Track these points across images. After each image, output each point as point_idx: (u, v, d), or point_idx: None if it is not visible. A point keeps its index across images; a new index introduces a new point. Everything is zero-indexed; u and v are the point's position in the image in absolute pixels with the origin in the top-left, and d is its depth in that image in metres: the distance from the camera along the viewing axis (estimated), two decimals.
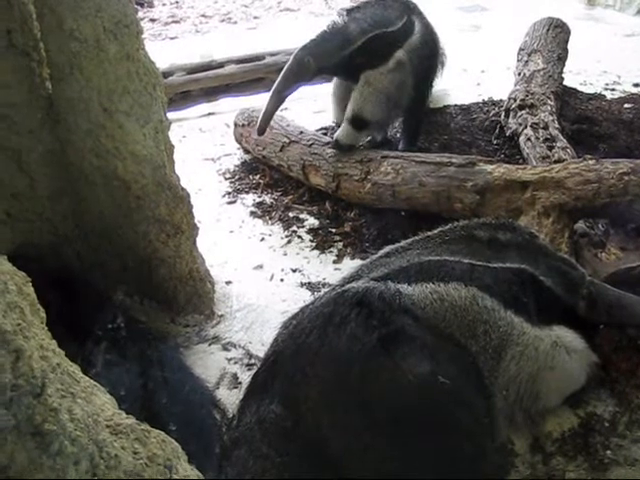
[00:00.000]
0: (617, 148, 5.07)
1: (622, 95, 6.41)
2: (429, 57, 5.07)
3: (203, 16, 10.10)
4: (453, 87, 6.47)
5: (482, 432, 2.62)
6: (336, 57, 4.52)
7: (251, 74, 6.59)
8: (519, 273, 2.91)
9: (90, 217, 3.33)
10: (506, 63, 6.72)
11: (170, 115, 3.52)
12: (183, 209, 3.47)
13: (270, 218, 4.77)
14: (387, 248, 3.09)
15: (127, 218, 3.31)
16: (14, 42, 2.88)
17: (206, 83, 6.45)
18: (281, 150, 5.06)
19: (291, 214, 4.79)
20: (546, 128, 4.92)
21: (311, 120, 5.75)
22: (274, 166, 5.22)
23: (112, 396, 1.92)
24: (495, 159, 4.48)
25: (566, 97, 5.98)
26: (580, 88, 6.44)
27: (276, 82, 4.57)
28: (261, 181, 5.22)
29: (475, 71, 7.14)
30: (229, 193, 5.11)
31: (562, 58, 6.13)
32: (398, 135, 5.51)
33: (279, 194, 5.04)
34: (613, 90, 6.58)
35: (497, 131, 5.52)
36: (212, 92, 6.52)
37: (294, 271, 4.19)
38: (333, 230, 4.59)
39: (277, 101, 4.59)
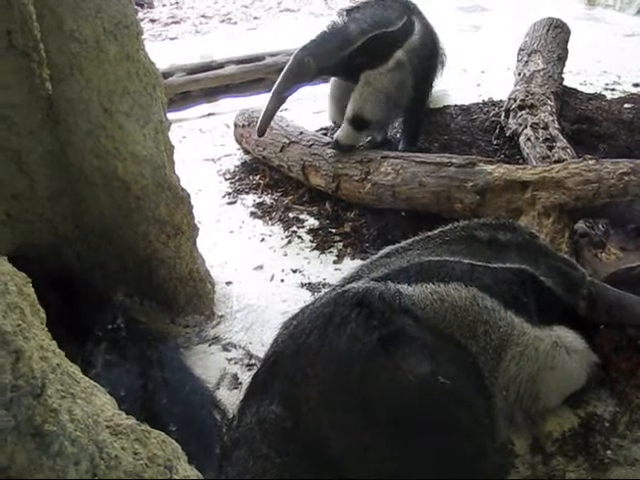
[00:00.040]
0: (617, 148, 5.07)
1: (622, 95, 6.41)
2: (429, 57, 5.07)
3: (203, 17, 10.10)
4: (453, 87, 6.47)
5: (482, 432, 2.62)
6: (336, 57, 4.52)
7: (251, 74, 6.60)
8: (519, 273, 2.91)
9: (90, 218, 3.33)
10: (506, 63, 6.72)
11: (170, 116, 3.52)
12: (183, 210, 3.47)
13: (270, 218, 4.77)
14: (387, 248, 3.09)
15: (127, 219, 3.31)
16: (14, 43, 2.88)
17: (206, 84, 6.46)
18: (281, 150, 5.06)
19: (291, 214, 4.79)
20: (546, 128, 4.92)
21: (311, 121, 5.75)
22: (274, 167, 5.22)
23: (112, 397, 1.92)
24: (495, 159, 4.48)
25: (566, 97, 5.98)
26: (580, 88, 6.44)
27: (276, 83, 4.57)
28: (261, 182, 5.22)
29: (475, 71, 7.14)
30: (229, 194, 5.11)
31: (562, 58, 6.13)
32: (398, 135, 5.52)
33: (279, 194, 5.04)
34: (613, 90, 6.58)
35: (497, 131, 5.52)
36: (212, 93, 6.53)
37: (294, 271, 4.19)
38: (333, 230, 4.59)
39: (277, 102, 4.59)
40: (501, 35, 7.97)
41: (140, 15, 8.87)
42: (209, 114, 6.57)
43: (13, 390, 1.44)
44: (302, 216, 4.77)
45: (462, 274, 2.82)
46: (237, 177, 5.35)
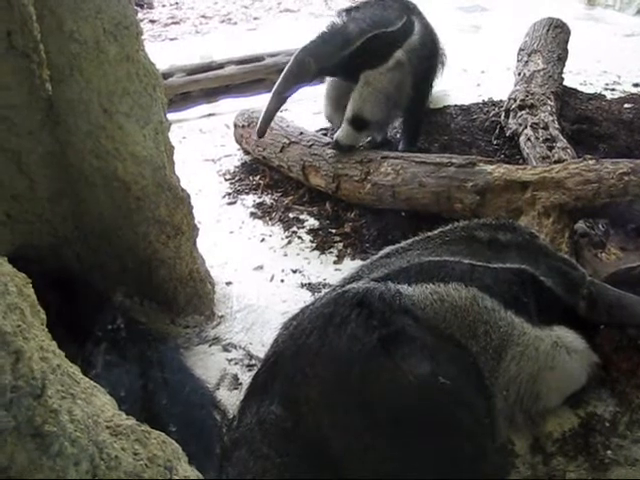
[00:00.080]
0: (617, 148, 5.07)
1: (622, 95, 6.41)
2: (429, 57, 5.07)
3: (203, 17, 10.10)
4: (453, 87, 6.47)
5: (482, 432, 2.62)
6: (336, 57, 4.51)
7: (251, 75, 6.60)
8: (519, 273, 2.91)
9: (90, 218, 3.33)
10: (506, 63, 6.73)
11: (170, 116, 3.53)
12: (183, 210, 3.47)
13: (270, 219, 4.77)
14: (387, 249, 3.09)
15: (127, 219, 3.31)
16: (14, 44, 2.88)
17: (206, 84, 6.46)
18: (281, 151, 5.06)
19: (291, 215, 4.79)
20: (546, 128, 4.92)
21: (311, 121, 5.76)
22: (274, 167, 5.22)
23: (112, 397, 1.92)
24: (495, 159, 4.48)
25: (566, 97, 5.98)
26: (580, 88, 6.44)
27: (276, 84, 4.57)
28: (261, 182, 5.22)
29: (475, 71, 7.14)
30: (229, 194, 5.11)
31: (562, 58, 6.13)
32: (398, 135, 5.52)
33: (279, 195, 5.04)
34: (613, 90, 6.58)
35: (497, 131, 5.52)
36: (212, 93, 6.52)
37: (294, 272, 4.19)
38: (333, 231, 4.59)
39: (277, 103, 4.58)
40: (501, 35, 7.98)
41: (140, 16, 8.86)
42: (209, 114, 6.57)
43: (13, 391, 1.44)
44: (302, 216, 4.77)
45: (462, 274, 2.82)
46: (237, 177, 5.35)
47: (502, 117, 5.54)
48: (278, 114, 4.82)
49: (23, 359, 1.48)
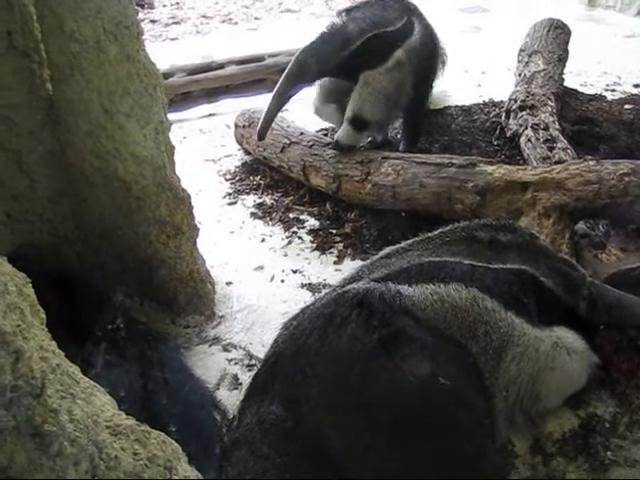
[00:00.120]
0: (617, 149, 5.07)
1: (622, 96, 6.41)
2: (429, 58, 5.06)
3: (204, 17, 10.11)
4: (454, 88, 6.47)
5: (482, 433, 2.62)
6: (336, 58, 4.51)
7: (252, 75, 6.60)
8: (520, 274, 2.91)
9: (90, 218, 3.33)
10: (507, 64, 6.73)
11: (171, 116, 3.52)
12: (184, 210, 3.47)
13: (271, 219, 4.77)
14: (387, 249, 3.09)
15: (127, 219, 3.31)
16: (15, 43, 2.89)
17: (207, 84, 6.46)
18: (282, 151, 5.06)
19: (292, 215, 4.79)
20: (547, 129, 4.92)
21: (311, 121, 5.75)
22: (275, 167, 5.22)
23: (112, 397, 1.92)
24: (496, 160, 4.48)
25: (566, 98, 5.98)
26: (580, 89, 6.44)
27: (277, 85, 4.56)
28: (262, 182, 5.22)
29: (476, 72, 7.15)
30: (230, 194, 5.11)
31: (562, 59, 6.13)
32: (399, 136, 5.52)
33: (280, 195, 5.04)
34: (613, 91, 6.58)
35: (498, 132, 5.52)
36: (213, 93, 6.53)
37: (295, 272, 4.19)
38: (334, 231, 4.59)
39: (278, 104, 4.57)
40: (502, 36, 7.98)
41: (140, 16, 8.86)
42: (210, 115, 6.58)
43: (13, 390, 1.44)
44: (302, 217, 4.77)
45: (462, 275, 2.81)
46: (237, 178, 5.35)
47: (503, 118, 5.54)
48: (279, 114, 4.82)
49: (23, 359, 1.48)
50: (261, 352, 3.29)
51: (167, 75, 6.03)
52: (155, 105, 3.19)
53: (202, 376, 3.16)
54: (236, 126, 5.69)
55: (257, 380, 2.74)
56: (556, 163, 4.25)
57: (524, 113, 5.23)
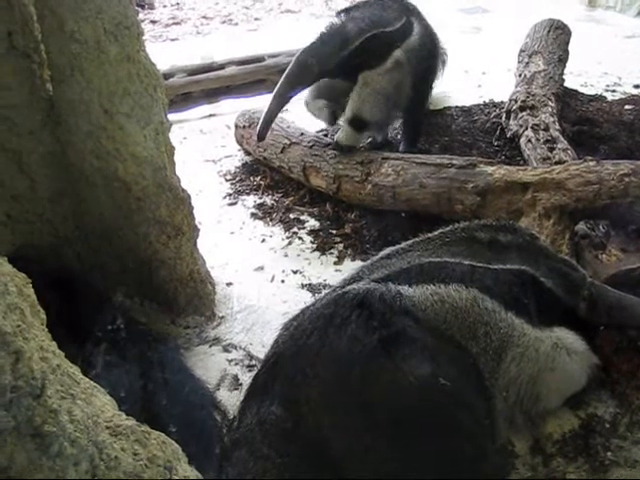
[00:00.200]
0: (618, 149, 5.06)
1: (623, 96, 6.41)
2: (428, 58, 5.05)
3: (204, 17, 10.12)
4: (454, 89, 6.47)
5: (482, 434, 2.61)
6: (336, 58, 4.50)
7: (252, 76, 6.60)
8: (520, 275, 2.91)
9: (90, 218, 3.33)
10: (507, 65, 6.73)
11: (171, 116, 3.53)
12: (184, 210, 3.47)
13: (271, 219, 4.77)
14: (388, 250, 3.09)
15: (127, 219, 3.31)
16: (15, 44, 2.89)
17: (207, 84, 6.46)
18: (282, 151, 5.06)
19: (292, 215, 4.79)
20: (547, 129, 4.92)
21: (312, 122, 5.74)
22: (275, 167, 5.23)
23: (112, 397, 1.92)
24: (496, 160, 4.48)
25: (567, 98, 5.98)
26: (581, 89, 6.44)
27: (277, 86, 4.56)
28: (262, 182, 5.22)
29: (476, 73, 7.15)
30: (230, 194, 5.11)
31: (563, 59, 6.13)
32: (399, 136, 5.52)
33: (280, 195, 5.04)
34: (614, 91, 6.58)
35: (498, 133, 5.52)
36: (213, 93, 6.53)
37: (295, 272, 4.19)
38: (334, 231, 4.59)
39: (278, 105, 4.57)
40: (502, 36, 7.98)
41: (141, 16, 8.87)
42: (210, 115, 6.58)
43: (13, 391, 1.44)
44: (303, 217, 4.77)
45: (462, 275, 2.81)
46: (238, 178, 5.35)
47: (503, 118, 5.54)
48: (279, 115, 4.82)
49: (23, 359, 1.48)
50: (261, 352, 3.29)
51: (167, 76, 6.04)
52: (155, 105, 3.19)
53: (202, 376, 3.16)
54: (236, 127, 5.69)
55: (257, 380, 2.74)
56: (556, 164, 4.25)
57: (524, 114, 5.23)
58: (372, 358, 2.50)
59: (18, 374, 1.46)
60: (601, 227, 3.91)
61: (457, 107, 6.17)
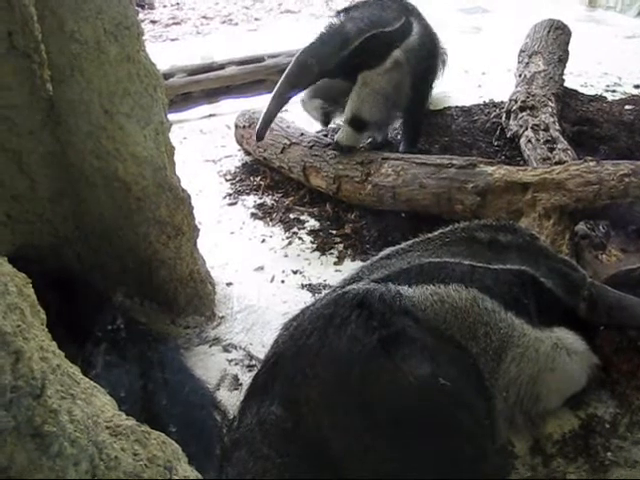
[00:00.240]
0: (618, 150, 5.06)
1: (623, 97, 6.41)
2: (427, 58, 5.05)
3: (204, 18, 10.12)
4: (454, 89, 6.47)
5: (482, 434, 2.61)
6: (336, 58, 4.50)
7: (252, 76, 6.60)
8: (520, 275, 2.91)
9: (90, 218, 3.33)
10: (507, 65, 6.73)
11: (171, 117, 3.53)
12: (184, 210, 3.47)
13: (271, 220, 4.77)
14: (388, 250, 3.09)
15: (127, 219, 3.31)
16: (15, 44, 2.89)
17: (207, 85, 6.47)
18: (282, 152, 5.06)
19: (292, 216, 4.79)
20: (547, 130, 4.92)
21: (311, 122, 5.75)
22: (275, 168, 5.23)
23: (112, 397, 1.92)
24: (496, 161, 4.48)
25: (567, 99, 5.98)
26: (581, 90, 6.44)
27: (277, 86, 4.56)
28: (262, 183, 5.22)
29: (476, 73, 7.15)
30: (230, 195, 5.11)
31: (563, 60, 6.12)
32: (399, 137, 5.52)
33: (280, 196, 5.04)
34: (614, 92, 6.58)
35: (498, 133, 5.52)
36: (213, 94, 6.53)
37: (295, 273, 4.19)
38: (334, 232, 4.59)
39: (278, 105, 4.57)
40: (502, 36, 7.98)
41: (141, 16, 8.86)
42: (210, 115, 6.58)
43: (13, 391, 1.44)
44: (303, 217, 4.77)
45: (462, 275, 2.81)
46: (238, 178, 5.35)
47: (503, 118, 5.54)
48: (279, 115, 4.82)
49: (23, 359, 1.48)
50: (261, 353, 3.29)
51: (167, 76, 6.04)
52: (155, 106, 3.19)
53: (202, 377, 3.16)
54: (236, 127, 5.70)
55: (257, 381, 2.74)
56: (556, 164, 4.25)
57: (524, 114, 5.23)
58: (372, 358, 2.50)
59: (18, 374, 1.46)
60: (601, 227, 3.91)
61: (457, 107, 6.17)
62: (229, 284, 4.06)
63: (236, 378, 3.30)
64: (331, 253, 4.38)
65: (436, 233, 3.11)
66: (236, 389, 3.23)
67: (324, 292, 3.48)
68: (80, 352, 2.65)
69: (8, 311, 1.52)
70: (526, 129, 5.03)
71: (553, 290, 2.95)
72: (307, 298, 3.84)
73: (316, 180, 4.85)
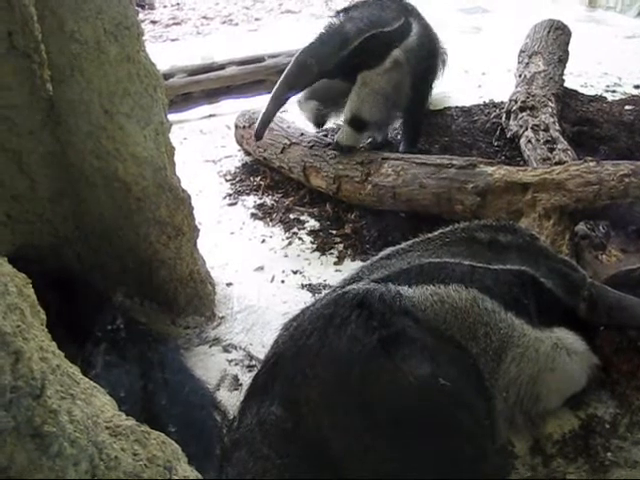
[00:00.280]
0: (618, 150, 5.06)
1: (623, 97, 6.40)
2: (427, 58, 5.05)
3: (204, 18, 10.12)
4: (454, 89, 6.47)
5: (482, 434, 2.61)
6: (336, 58, 4.50)
7: (252, 76, 6.60)
8: (520, 275, 2.91)
9: (90, 219, 3.33)
10: (507, 65, 6.73)
11: (171, 117, 3.53)
12: (184, 211, 3.47)
13: (271, 220, 4.77)
14: (388, 250, 3.09)
15: (127, 220, 3.31)
16: (15, 44, 2.89)
17: (207, 85, 6.47)
18: (282, 152, 5.06)
19: (292, 216, 4.79)
20: (547, 130, 4.92)
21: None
22: (275, 168, 5.23)
23: (112, 397, 1.92)
24: (496, 161, 4.47)
25: (567, 99, 5.98)
26: (581, 90, 6.44)
27: (276, 86, 4.57)
28: (262, 183, 5.22)
29: (476, 73, 7.15)
30: (230, 195, 5.11)
31: (563, 60, 6.12)
32: (399, 137, 5.52)
33: (280, 196, 5.04)
34: (614, 92, 6.57)
35: (498, 133, 5.52)
36: (213, 94, 6.53)
37: (295, 273, 4.19)
38: (334, 232, 4.59)
39: (276, 105, 4.58)
40: (502, 37, 7.98)
41: (141, 16, 8.88)
42: (210, 115, 6.58)
43: (13, 391, 1.44)
44: (303, 217, 4.77)
45: (462, 276, 2.81)
46: (238, 178, 5.35)
47: (503, 119, 5.54)
48: (278, 115, 4.82)
49: (23, 359, 1.48)
50: (261, 353, 3.29)
51: (167, 76, 6.04)
52: (155, 106, 3.19)
53: (202, 377, 3.16)
54: (236, 127, 5.70)
55: (257, 381, 2.74)
56: (556, 164, 4.25)
57: (524, 114, 5.22)
58: (372, 358, 2.50)
59: (18, 374, 1.46)
60: (601, 228, 3.91)
61: (457, 107, 6.17)
62: (229, 284, 4.06)
63: (236, 378, 3.30)
64: (331, 253, 4.38)
65: (436, 233, 3.11)
66: (236, 389, 3.23)
67: (324, 292, 3.48)
68: (80, 352, 2.65)
69: (8, 311, 1.52)
70: (526, 129, 5.03)
71: (553, 290, 2.95)
72: (307, 298, 3.84)
73: (316, 180, 4.84)
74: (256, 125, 4.63)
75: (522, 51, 6.30)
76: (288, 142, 5.05)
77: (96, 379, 1.93)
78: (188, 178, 3.95)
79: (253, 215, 4.83)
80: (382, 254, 3.07)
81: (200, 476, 2.01)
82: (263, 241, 4.55)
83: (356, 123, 4.72)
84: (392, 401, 2.45)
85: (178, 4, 10.77)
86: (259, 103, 5.78)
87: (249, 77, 6.60)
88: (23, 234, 3.20)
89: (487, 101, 6.25)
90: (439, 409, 2.50)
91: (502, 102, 5.91)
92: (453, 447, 2.48)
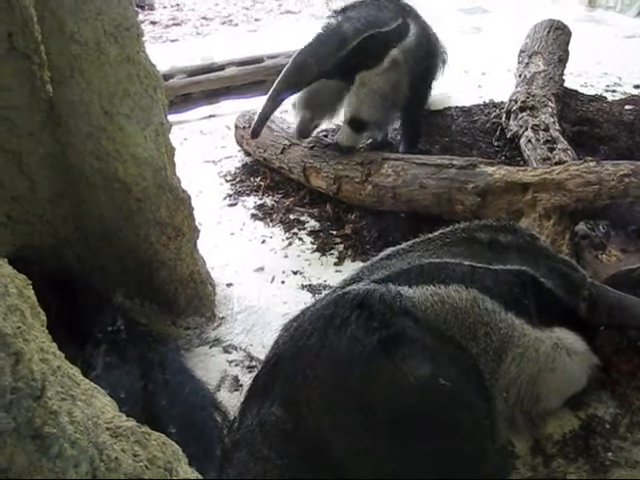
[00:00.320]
0: (618, 150, 5.06)
1: (623, 97, 6.41)
2: (425, 58, 5.05)
3: (204, 18, 10.12)
4: (454, 89, 6.47)
5: (483, 434, 2.61)
6: (334, 58, 4.51)
7: (252, 76, 6.61)
8: (520, 275, 2.91)
9: (90, 220, 3.33)
10: (507, 65, 6.73)
11: (171, 117, 3.53)
12: (184, 211, 3.47)
13: (271, 220, 4.77)
14: (388, 250, 3.09)
15: (128, 220, 3.31)
16: (15, 45, 2.89)
17: (207, 85, 6.47)
18: (282, 152, 5.06)
19: (292, 216, 4.79)
20: (547, 130, 4.92)
21: None
22: (275, 168, 5.23)
23: (112, 399, 1.92)
24: (496, 161, 4.48)
25: (567, 99, 5.98)
26: (581, 90, 6.44)
27: (274, 86, 4.57)
28: (262, 183, 5.22)
29: (476, 73, 7.15)
30: (230, 195, 5.11)
31: (563, 60, 6.12)
32: (399, 137, 5.52)
33: (280, 196, 5.04)
34: (614, 92, 6.58)
35: (498, 133, 5.53)
36: (213, 94, 6.53)
37: (295, 273, 4.19)
38: (334, 232, 4.59)
39: (274, 105, 4.59)
40: (502, 37, 7.99)
41: (141, 17, 8.87)
42: (210, 116, 6.59)
43: (13, 392, 1.44)
44: (303, 218, 4.77)
45: (463, 276, 2.81)
46: (238, 179, 5.35)
47: (503, 119, 5.54)
48: (278, 115, 4.83)
49: (23, 360, 1.48)
50: (261, 353, 3.29)
51: (167, 76, 6.04)
52: (155, 106, 3.19)
53: (203, 377, 3.16)
54: (236, 127, 5.70)
55: (257, 382, 2.74)
56: (556, 164, 4.25)
57: (524, 114, 5.23)
58: (372, 359, 2.50)
59: (18, 375, 1.46)
60: (601, 227, 3.91)
61: (457, 107, 6.17)
62: (229, 285, 4.06)
63: (236, 379, 3.30)
64: (331, 254, 4.38)
65: (436, 233, 3.11)
66: (236, 390, 3.23)
67: (324, 293, 3.48)
68: (80, 353, 2.65)
69: (8, 312, 1.52)
70: (526, 129, 5.03)
71: (553, 290, 2.95)
72: (307, 299, 3.84)
73: (316, 181, 4.85)
74: (253, 123, 4.63)
75: (522, 51, 6.31)
76: (288, 143, 5.05)
77: (96, 380, 1.93)
78: (188, 179, 3.95)
79: (253, 216, 4.83)
80: (382, 254, 3.07)
81: (201, 477, 2.01)
82: (263, 242, 4.55)
83: (355, 124, 4.72)
84: (392, 401, 2.45)
85: (178, 5, 10.77)
86: (259, 104, 5.77)
87: (249, 78, 6.60)
88: (23, 235, 3.20)
89: (487, 101, 6.25)
90: (439, 409, 2.50)
91: (502, 102, 5.91)
92: (453, 447, 2.48)
